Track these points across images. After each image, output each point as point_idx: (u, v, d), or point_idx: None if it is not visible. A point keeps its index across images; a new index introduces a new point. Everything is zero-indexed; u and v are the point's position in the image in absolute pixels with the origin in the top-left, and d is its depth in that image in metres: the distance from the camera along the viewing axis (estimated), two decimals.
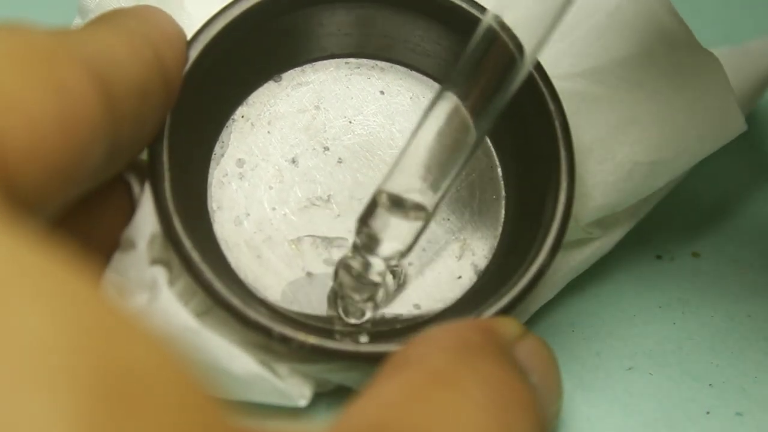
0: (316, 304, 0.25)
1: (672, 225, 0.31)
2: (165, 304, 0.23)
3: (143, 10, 0.23)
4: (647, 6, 0.27)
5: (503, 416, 0.19)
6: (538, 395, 0.21)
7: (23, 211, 0.17)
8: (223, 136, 0.27)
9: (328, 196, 0.26)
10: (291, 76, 0.27)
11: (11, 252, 0.14)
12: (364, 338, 0.24)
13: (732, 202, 0.31)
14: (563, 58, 0.28)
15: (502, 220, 0.27)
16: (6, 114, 0.17)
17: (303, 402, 0.24)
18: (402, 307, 0.26)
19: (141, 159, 0.24)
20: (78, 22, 0.27)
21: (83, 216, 0.23)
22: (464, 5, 0.26)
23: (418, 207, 0.23)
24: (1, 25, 0.19)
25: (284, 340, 0.23)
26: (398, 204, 0.23)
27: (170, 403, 0.13)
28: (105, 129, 0.20)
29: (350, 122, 0.27)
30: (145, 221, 0.24)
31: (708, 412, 0.26)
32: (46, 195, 0.18)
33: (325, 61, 0.28)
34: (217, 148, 0.26)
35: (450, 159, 0.23)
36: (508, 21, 0.23)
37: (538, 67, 0.26)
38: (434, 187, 0.23)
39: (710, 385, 0.26)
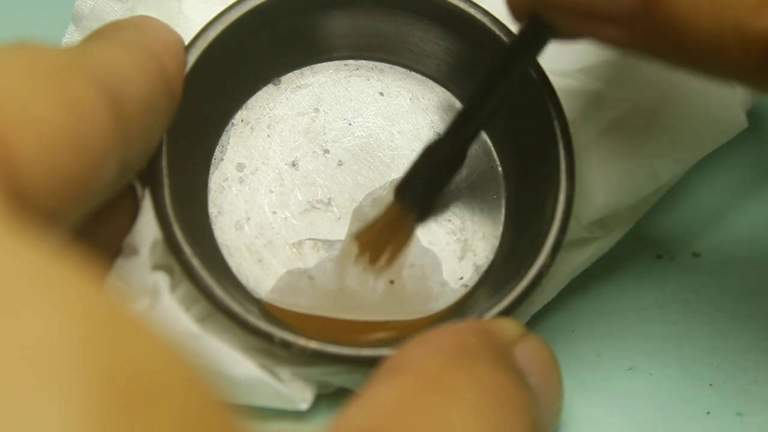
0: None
1: (672, 225, 0.30)
2: (166, 309, 0.23)
3: (141, 21, 0.23)
4: None
5: (498, 419, 0.19)
6: (536, 398, 0.21)
7: (38, 221, 0.17)
8: (223, 140, 0.27)
9: (329, 198, 0.26)
10: (290, 79, 0.27)
11: (22, 256, 0.14)
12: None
13: (732, 202, 0.31)
14: (564, 54, 0.28)
15: (503, 220, 0.27)
16: (20, 128, 0.17)
17: (304, 405, 0.24)
18: (403, 308, 0.26)
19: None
20: (72, 29, 0.27)
21: (89, 220, 0.23)
22: (463, 6, 0.26)
23: None
24: (11, 42, 0.19)
25: (285, 344, 0.23)
26: None
27: (180, 404, 0.13)
28: (116, 144, 0.20)
29: (350, 124, 0.27)
30: (147, 227, 0.24)
31: (708, 412, 0.26)
32: (60, 208, 0.19)
33: (324, 64, 0.28)
34: (217, 153, 0.26)
35: None
36: None
37: (537, 67, 0.26)
38: None
39: (710, 385, 0.26)
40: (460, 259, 0.26)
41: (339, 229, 0.26)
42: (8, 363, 0.12)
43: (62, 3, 0.30)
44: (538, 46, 0.23)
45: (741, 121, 0.26)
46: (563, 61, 0.27)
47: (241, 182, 0.26)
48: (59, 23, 0.28)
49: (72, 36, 0.27)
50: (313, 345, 0.23)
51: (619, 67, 0.27)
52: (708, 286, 0.29)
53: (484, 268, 0.26)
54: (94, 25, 0.26)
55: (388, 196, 0.27)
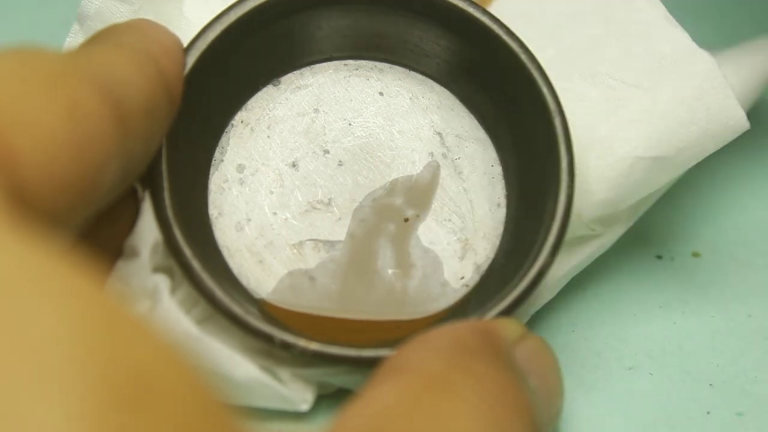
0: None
1: (672, 225, 0.31)
2: (166, 311, 0.23)
3: (140, 23, 0.23)
4: (642, 15, 0.27)
5: (498, 420, 0.19)
6: (536, 398, 0.22)
7: (40, 224, 0.17)
8: (223, 141, 0.27)
9: (329, 199, 0.27)
10: (290, 79, 0.27)
11: (23, 257, 0.14)
12: None
13: (732, 202, 0.31)
14: (565, 55, 0.28)
15: (504, 219, 0.27)
16: (21, 130, 0.17)
17: (305, 406, 0.24)
18: (404, 308, 0.26)
19: None
20: (76, 29, 0.27)
21: (91, 222, 0.23)
22: (462, 5, 0.26)
23: None
24: (11, 47, 0.19)
25: (286, 346, 0.23)
26: None
27: (180, 405, 0.14)
28: (117, 147, 0.20)
29: (350, 124, 0.27)
30: (148, 229, 0.24)
31: (708, 412, 0.26)
32: (61, 211, 0.19)
33: (323, 64, 0.28)
34: (217, 154, 0.26)
35: None
36: None
37: (538, 67, 0.26)
38: None
39: (710, 385, 0.26)
40: (461, 258, 0.26)
41: (339, 229, 0.26)
42: (8, 363, 0.12)
43: (65, 3, 0.30)
44: None
45: (742, 123, 0.26)
46: (563, 67, 0.27)
47: (241, 183, 0.26)
48: (62, 23, 0.28)
49: (75, 36, 0.27)
50: (314, 346, 0.23)
51: (618, 72, 0.27)
52: (708, 286, 0.29)
53: (485, 267, 0.26)
54: (99, 26, 0.26)
55: (388, 196, 0.27)
